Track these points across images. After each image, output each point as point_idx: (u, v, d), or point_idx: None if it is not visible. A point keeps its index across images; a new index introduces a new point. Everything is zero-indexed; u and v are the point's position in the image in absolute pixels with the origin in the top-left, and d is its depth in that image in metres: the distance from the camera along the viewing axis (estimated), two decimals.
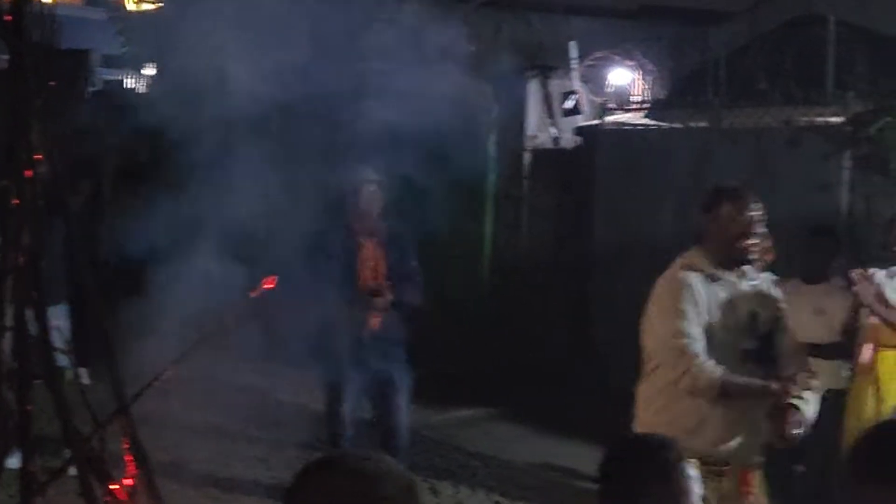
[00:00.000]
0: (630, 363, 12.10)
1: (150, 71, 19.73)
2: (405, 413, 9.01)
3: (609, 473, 3.87)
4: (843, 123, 11.36)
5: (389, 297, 8.81)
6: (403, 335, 9.05)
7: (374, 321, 8.84)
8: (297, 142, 8.10)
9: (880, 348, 8.31)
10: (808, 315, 8.28)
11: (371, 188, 8.89)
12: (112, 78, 21.20)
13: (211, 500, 9.18)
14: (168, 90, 10.32)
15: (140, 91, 20.55)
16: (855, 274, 8.20)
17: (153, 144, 10.97)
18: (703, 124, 12.56)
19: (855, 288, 8.13)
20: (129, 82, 21.26)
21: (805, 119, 11.69)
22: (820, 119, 11.62)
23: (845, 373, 8.64)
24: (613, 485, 3.82)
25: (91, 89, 20.57)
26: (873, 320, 8.25)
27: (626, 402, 11.51)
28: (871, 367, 8.34)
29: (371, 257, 8.91)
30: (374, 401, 9.08)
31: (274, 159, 8.30)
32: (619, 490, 3.79)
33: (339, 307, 8.67)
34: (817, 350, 8.29)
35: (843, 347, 8.56)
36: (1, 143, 5.61)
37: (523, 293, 13.59)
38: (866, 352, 8.36)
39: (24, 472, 5.54)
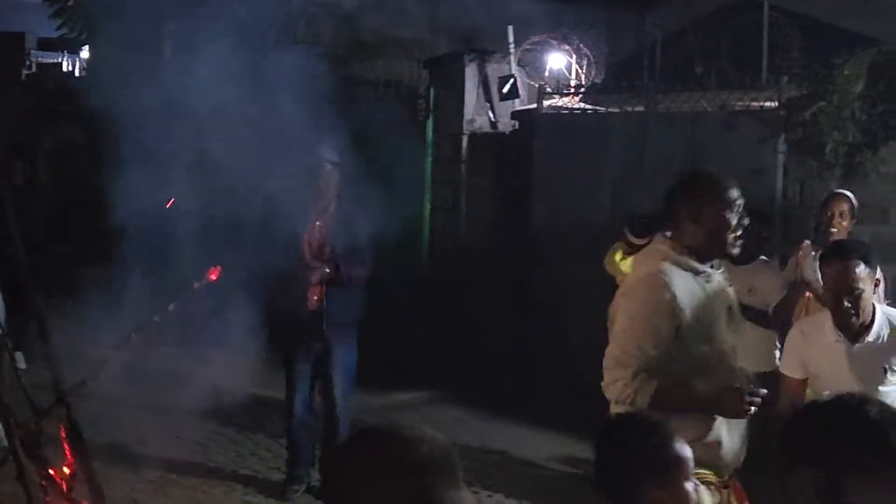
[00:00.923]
0: (568, 346, 12.19)
1: (86, 54, 19.58)
2: (343, 396, 9.04)
3: (603, 455, 3.90)
4: (777, 108, 11.47)
5: (325, 271, 8.83)
6: (353, 317, 9.08)
7: (313, 300, 8.86)
8: (231, 124, 8.05)
9: None
10: (743, 294, 8.36)
11: (328, 168, 8.90)
12: (48, 61, 21.01)
13: (149, 484, 9.16)
14: (104, 73, 10.26)
15: (76, 74, 20.37)
16: (802, 248, 8.32)
17: (90, 127, 10.89)
18: (638, 108, 12.63)
19: (800, 261, 8.23)
20: (65, 65, 21.06)
21: (740, 103, 11.79)
22: (755, 103, 11.71)
23: (776, 353, 8.72)
24: (608, 466, 3.85)
25: (26, 72, 20.39)
26: (807, 299, 8.36)
27: (563, 385, 11.59)
28: None
29: (318, 237, 8.93)
30: (318, 381, 9.13)
31: (211, 140, 8.27)
32: (614, 471, 3.82)
33: (280, 286, 8.74)
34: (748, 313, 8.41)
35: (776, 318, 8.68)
36: None
37: (462, 277, 13.63)
38: None
39: None
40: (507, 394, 12.12)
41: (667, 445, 3.82)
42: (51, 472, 5.61)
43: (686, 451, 3.87)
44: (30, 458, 5.53)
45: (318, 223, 8.93)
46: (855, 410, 2.30)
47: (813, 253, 8.32)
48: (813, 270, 8.16)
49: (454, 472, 2.59)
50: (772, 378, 8.40)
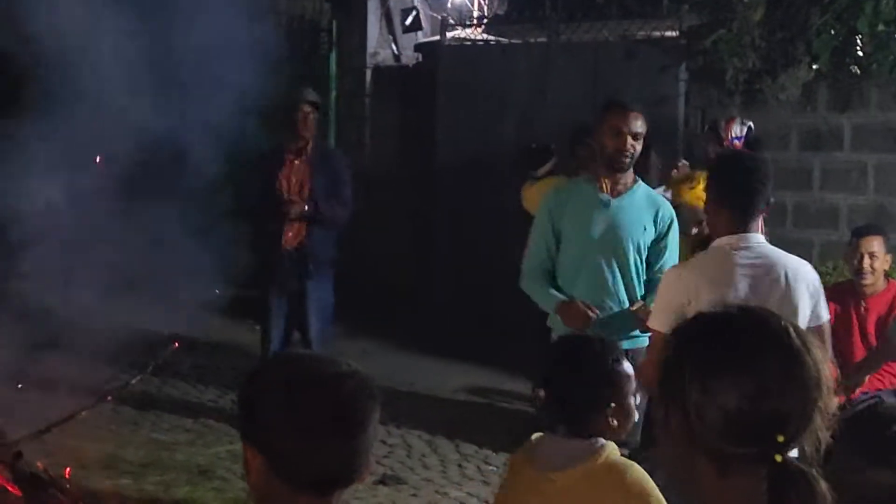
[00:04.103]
0: (472, 279, 12.22)
1: None
2: (323, 332, 9.09)
3: (561, 373, 4.01)
4: (678, 36, 11.52)
5: (304, 206, 8.88)
6: (330, 255, 9.12)
7: (291, 237, 8.88)
8: (131, 59, 7.92)
9: None
10: None
11: (307, 108, 8.94)
12: None
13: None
14: None
15: None
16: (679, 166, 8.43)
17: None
18: (541, 39, 12.62)
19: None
20: None
21: (641, 33, 11.82)
22: (656, 32, 11.76)
23: None
24: (567, 384, 3.95)
25: None
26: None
27: (467, 318, 11.64)
28: None
29: (296, 175, 8.96)
30: (295, 320, 9.18)
31: (110, 79, 8.14)
32: (575, 388, 3.91)
33: (257, 222, 8.78)
34: None
35: None
36: None
37: (367, 212, 13.59)
38: None
39: None
40: (412, 327, 12.15)
41: (620, 362, 3.97)
42: None
43: (630, 368, 4.00)
44: None
45: (296, 162, 8.96)
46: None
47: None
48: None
49: (376, 398, 2.65)
50: None
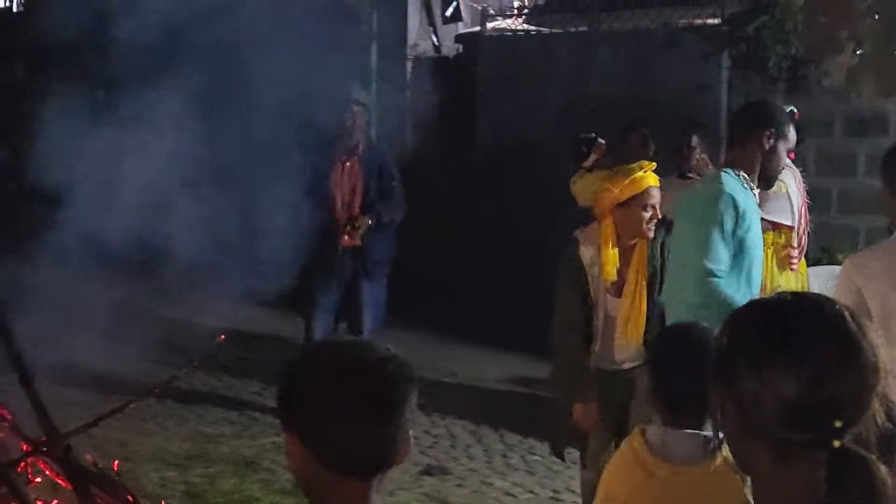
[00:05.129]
0: (513, 268, 12.20)
1: None
2: (371, 331, 9.18)
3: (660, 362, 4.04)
4: (720, 23, 11.46)
5: (366, 222, 9.07)
6: (387, 253, 9.22)
7: (346, 240, 9.03)
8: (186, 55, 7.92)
9: None
10: None
11: (357, 108, 8.97)
12: None
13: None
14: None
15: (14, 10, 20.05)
16: None
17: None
18: (582, 28, 12.59)
19: None
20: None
21: (683, 20, 11.77)
22: (698, 20, 11.70)
23: None
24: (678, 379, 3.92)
25: None
26: None
27: (509, 308, 11.62)
28: None
29: (349, 177, 9.00)
30: (346, 317, 9.34)
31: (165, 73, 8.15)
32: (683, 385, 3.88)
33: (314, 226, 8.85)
34: None
35: None
36: None
37: (408, 204, 13.58)
38: None
39: None
40: (454, 317, 12.13)
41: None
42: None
43: None
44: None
45: (347, 164, 9.06)
46: None
47: None
48: None
49: (414, 381, 2.68)
50: None
